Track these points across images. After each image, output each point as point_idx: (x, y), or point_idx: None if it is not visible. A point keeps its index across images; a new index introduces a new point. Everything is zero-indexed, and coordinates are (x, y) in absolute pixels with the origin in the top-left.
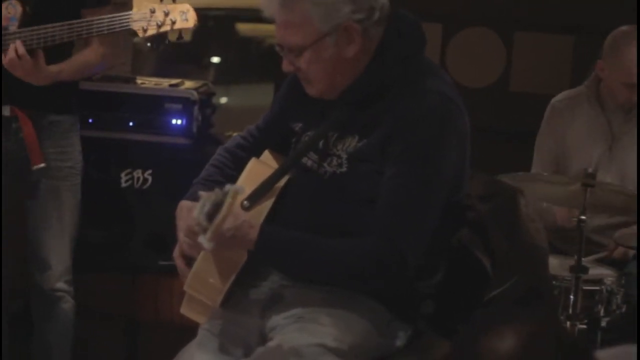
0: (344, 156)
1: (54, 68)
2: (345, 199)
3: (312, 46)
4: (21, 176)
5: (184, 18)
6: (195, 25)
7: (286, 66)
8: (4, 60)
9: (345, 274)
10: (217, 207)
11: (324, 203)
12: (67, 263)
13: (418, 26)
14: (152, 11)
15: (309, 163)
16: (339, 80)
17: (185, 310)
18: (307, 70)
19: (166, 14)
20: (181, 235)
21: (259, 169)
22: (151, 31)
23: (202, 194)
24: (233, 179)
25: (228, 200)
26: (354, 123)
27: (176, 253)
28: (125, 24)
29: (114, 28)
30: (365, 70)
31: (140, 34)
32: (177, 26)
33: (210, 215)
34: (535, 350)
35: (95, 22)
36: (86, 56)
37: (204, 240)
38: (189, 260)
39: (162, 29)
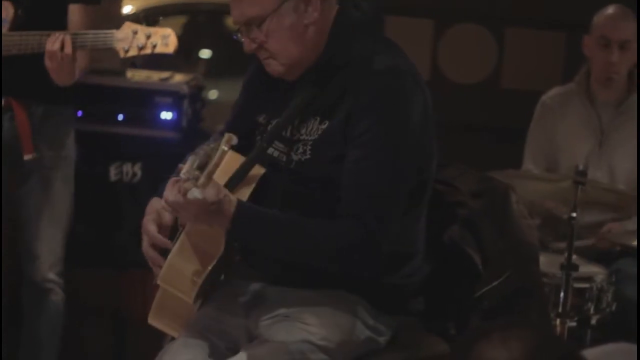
0: (309, 142)
1: (77, 74)
2: (312, 186)
3: (272, 14)
4: (14, 166)
5: (165, 43)
6: (174, 51)
7: (248, 45)
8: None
9: (319, 254)
10: (207, 159)
11: (293, 192)
12: (57, 254)
13: (373, 3)
14: (135, 32)
15: (275, 153)
16: (303, 52)
17: (154, 319)
18: (269, 41)
19: (147, 37)
20: (151, 227)
21: (234, 159)
22: (132, 52)
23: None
24: None
25: (222, 146)
26: (314, 104)
27: (146, 245)
28: (108, 43)
29: (97, 45)
30: (327, 44)
31: (122, 54)
32: (157, 50)
33: (202, 167)
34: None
35: (80, 36)
36: (85, 62)
37: (196, 191)
38: (162, 252)
39: (143, 52)
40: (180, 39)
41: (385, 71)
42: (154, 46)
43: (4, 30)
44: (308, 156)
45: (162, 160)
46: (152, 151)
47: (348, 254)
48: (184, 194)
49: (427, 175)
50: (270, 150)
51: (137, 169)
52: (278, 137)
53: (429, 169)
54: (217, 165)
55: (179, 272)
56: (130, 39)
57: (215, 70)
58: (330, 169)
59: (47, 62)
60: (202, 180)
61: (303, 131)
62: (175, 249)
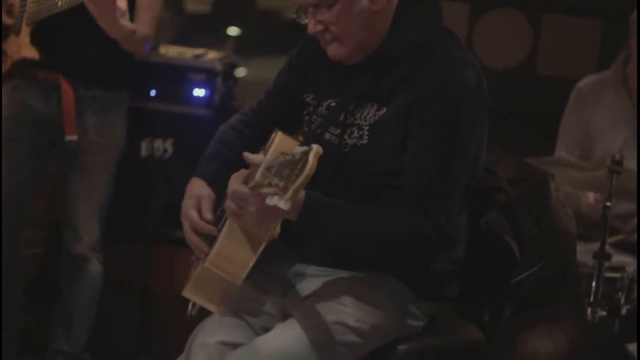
0: (365, 127)
1: (130, 25)
2: (366, 171)
3: None
4: (58, 144)
5: None
6: None
7: (313, 27)
8: None
9: (385, 245)
10: (287, 167)
11: (345, 176)
12: (96, 235)
13: None
14: None
15: (328, 136)
16: (368, 38)
17: (191, 293)
18: (337, 25)
19: None
20: (193, 213)
21: (286, 142)
22: None
23: (255, 157)
24: (241, 156)
25: (311, 158)
26: (372, 91)
27: (187, 230)
28: None
29: None
30: (390, 32)
31: None
32: None
33: (280, 174)
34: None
35: None
36: (146, 30)
37: (280, 201)
38: (203, 236)
39: None
40: (210, 16)
41: (450, 63)
42: None
43: None
44: (365, 141)
45: (193, 137)
46: (183, 128)
47: (413, 244)
48: (260, 197)
49: (479, 166)
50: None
51: (169, 145)
52: (334, 122)
53: (481, 159)
54: (306, 180)
55: (228, 256)
56: None
57: (243, 48)
58: (387, 155)
59: (90, 9)
60: (290, 194)
61: (358, 116)
62: (224, 232)
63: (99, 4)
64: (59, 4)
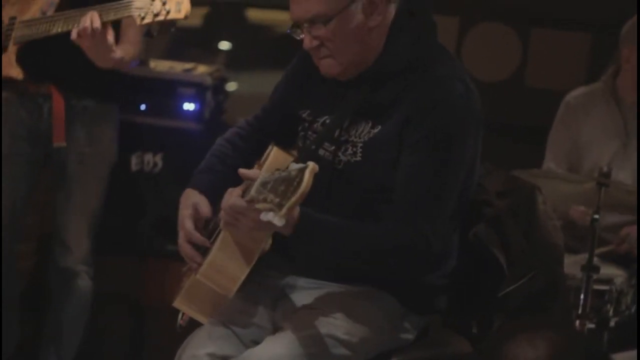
0: (359, 144)
1: (118, 53)
2: (359, 187)
3: (339, 14)
4: (49, 155)
5: (178, 9)
6: (186, 17)
7: (308, 42)
8: (78, 30)
9: (376, 259)
10: (282, 184)
11: (339, 192)
12: (87, 248)
13: (428, 9)
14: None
15: (322, 152)
16: (362, 54)
17: (182, 304)
18: (333, 41)
19: (163, 4)
20: (188, 223)
21: (281, 157)
22: (147, 19)
23: (250, 172)
24: (235, 169)
25: (307, 176)
26: (366, 108)
27: (182, 240)
28: (127, 11)
29: (118, 14)
30: (384, 48)
31: (138, 22)
32: (170, 16)
33: (276, 191)
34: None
35: (105, 9)
36: (133, 50)
37: (275, 217)
38: (196, 248)
39: (157, 18)
40: (200, 30)
41: (442, 79)
42: (168, 12)
43: (50, 12)
44: (359, 158)
45: (183, 151)
46: (173, 142)
47: (402, 259)
48: (256, 211)
49: (471, 181)
50: (319, 150)
51: (158, 159)
52: (328, 138)
53: (475, 172)
54: (301, 197)
55: (220, 269)
56: (147, 7)
57: (234, 63)
58: (380, 172)
59: (80, 42)
60: (284, 211)
61: (352, 133)
62: (217, 245)
63: (89, 39)
64: (53, 30)
